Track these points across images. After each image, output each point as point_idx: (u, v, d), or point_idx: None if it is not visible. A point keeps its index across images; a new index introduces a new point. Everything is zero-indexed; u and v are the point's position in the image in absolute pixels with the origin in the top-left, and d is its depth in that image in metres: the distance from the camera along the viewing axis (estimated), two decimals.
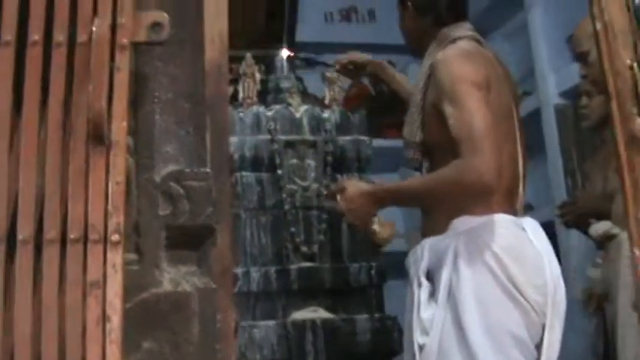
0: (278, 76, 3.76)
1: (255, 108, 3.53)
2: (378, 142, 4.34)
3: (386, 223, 2.27)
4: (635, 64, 1.87)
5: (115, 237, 1.29)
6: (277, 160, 3.46)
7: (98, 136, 1.30)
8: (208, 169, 1.46)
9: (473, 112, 2.06)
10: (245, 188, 3.42)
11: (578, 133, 3.77)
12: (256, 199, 3.43)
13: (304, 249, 3.44)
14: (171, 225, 1.41)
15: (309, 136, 3.56)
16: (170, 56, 1.51)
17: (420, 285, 2.17)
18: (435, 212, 2.23)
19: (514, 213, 2.19)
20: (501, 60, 2.35)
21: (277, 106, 3.58)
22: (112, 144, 1.32)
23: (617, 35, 1.93)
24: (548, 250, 2.16)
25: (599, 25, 2.11)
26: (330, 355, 3.31)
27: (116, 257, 1.29)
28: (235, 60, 3.75)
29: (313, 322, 3.32)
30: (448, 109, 2.10)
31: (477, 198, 2.09)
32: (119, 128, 1.33)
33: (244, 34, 4.79)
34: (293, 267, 3.41)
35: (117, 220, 1.30)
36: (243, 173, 3.44)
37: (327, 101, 3.71)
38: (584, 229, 3.07)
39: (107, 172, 1.31)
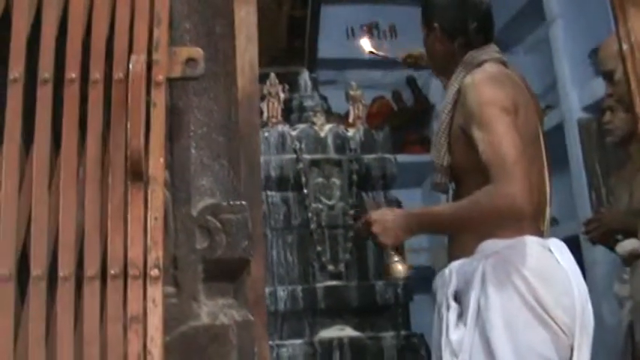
0: (302, 95, 3.79)
1: (279, 127, 3.55)
2: (402, 158, 4.34)
3: (405, 262, 2.29)
4: None
5: (155, 272, 1.30)
6: (303, 179, 3.48)
7: (136, 173, 1.32)
8: (244, 202, 1.47)
9: (502, 137, 2.05)
10: (271, 208, 3.45)
11: (602, 147, 3.76)
12: (282, 218, 3.45)
13: (331, 267, 3.46)
14: (209, 258, 1.43)
15: (334, 155, 3.58)
16: (204, 90, 1.52)
17: (448, 307, 2.17)
18: (462, 235, 2.22)
19: (540, 234, 2.19)
20: (525, 79, 2.34)
21: (302, 125, 3.60)
22: (149, 180, 1.33)
23: None
24: (575, 271, 2.15)
25: (625, 46, 2.12)
26: None
27: (156, 292, 1.30)
28: (259, 77, 3.77)
29: (340, 340, 3.34)
30: (477, 134, 2.10)
31: (508, 222, 2.09)
32: (156, 164, 1.34)
33: (266, 52, 4.81)
34: (319, 285, 3.42)
35: (156, 255, 1.31)
36: (269, 193, 3.46)
37: (350, 119, 3.73)
38: (610, 245, 3.06)
39: (145, 207, 1.33)
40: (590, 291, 2.17)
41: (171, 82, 1.44)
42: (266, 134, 3.52)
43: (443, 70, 2.40)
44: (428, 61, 2.54)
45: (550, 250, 2.15)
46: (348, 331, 3.39)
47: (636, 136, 2.72)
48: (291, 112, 3.74)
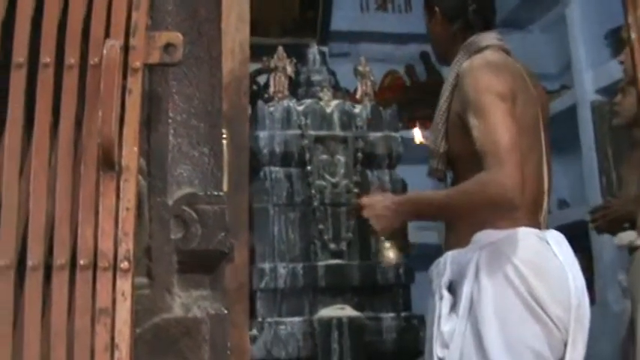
0: (310, 69, 3.73)
1: (285, 102, 3.51)
2: (411, 134, 4.28)
3: (397, 248, 2.25)
4: None
5: (125, 264, 1.27)
6: (307, 156, 3.44)
7: (108, 162, 1.28)
8: (222, 193, 1.44)
9: (497, 125, 2.01)
10: (274, 184, 3.41)
11: (615, 131, 3.69)
12: (285, 194, 3.42)
13: (332, 246, 3.43)
14: (183, 249, 1.39)
15: (339, 132, 3.53)
16: (185, 75, 1.48)
17: (441, 298, 2.14)
18: (457, 225, 2.19)
19: (538, 226, 2.15)
20: (527, 67, 2.28)
21: (308, 101, 3.55)
22: (122, 169, 1.30)
23: None
24: (573, 263, 2.10)
25: (634, 34, 2.06)
26: (356, 353, 3.29)
27: (125, 285, 1.28)
28: (268, 49, 3.73)
29: (340, 319, 3.31)
30: (472, 121, 2.06)
31: (500, 212, 2.05)
32: (130, 153, 1.31)
33: (277, 23, 4.77)
34: (321, 264, 3.40)
35: (126, 247, 1.28)
36: (272, 168, 3.43)
37: (358, 95, 3.68)
38: (616, 234, 3.01)
39: (117, 197, 1.30)
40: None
41: (149, 67, 1.40)
42: (271, 109, 3.48)
43: (445, 55, 2.36)
44: (432, 47, 2.50)
45: (547, 242, 2.11)
46: (347, 311, 3.36)
47: None
48: (298, 87, 3.69)
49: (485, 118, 2.03)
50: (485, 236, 2.09)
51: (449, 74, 2.26)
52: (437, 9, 2.33)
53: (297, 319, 3.31)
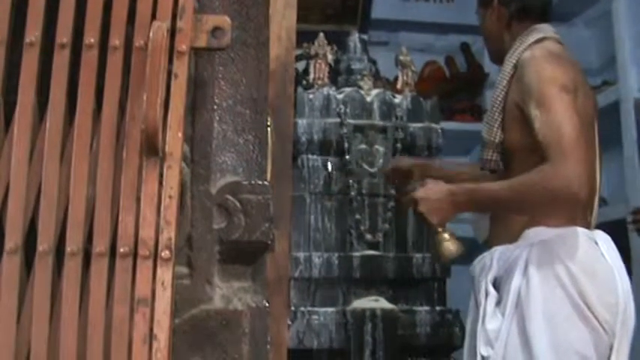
0: (350, 57, 3.69)
1: (325, 90, 3.47)
2: (450, 125, 4.23)
3: (457, 240, 2.14)
4: None
5: (166, 253, 1.24)
6: (345, 145, 3.40)
7: (152, 147, 1.24)
8: (267, 182, 1.39)
9: (562, 117, 1.95)
10: (311, 172, 3.38)
11: None
12: (322, 183, 3.39)
13: (368, 237, 3.39)
14: (225, 239, 1.35)
15: (379, 122, 3.49)
16: (232, 60, 1.44)
17: (487, 294, 2.08)
18: (507, 220, 2.13)
19: (588, 226, 2.09)
20: (578, 63, 2.22)
21: (348, 89, 3.51)
22: (166, 155, 1.26)
23: None
24: (620, 267, 2.05)
25: None
26: (389, 346, 3.26)
27: (166, 274, 1.24)
28: (308, 35, 3.68)
29: (373, 311, 3.28)
30: (534, 112, 2.00)
31: (559, 208, 1.99)
32: (174, 139, 1.27)
33: (318, 9, 4.72)
34: (356, 254, 3.36)
35: (168, 235, 1.24)
36: (310, 156, 3.39)
37: (399, 85, 3.62)
38: None
39: (160, 184, 1.26)
40: (634, 275, 2.07)
41: (196, 51, 1.36)
42: (311, 96, 3.44)
43: (500, 50, 2.29)
44: (486, 45, 2.44)
45: (596, 243, 2.05)
46: (381, 303, 3.32)
47: None
48: (338, 75, 3.65)
49: (549, 110, 1.97)
50: (536, 233, 2.03)
51: (505, 63, 2.19)
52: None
53: (330, 309, 3.27)
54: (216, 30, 1.34)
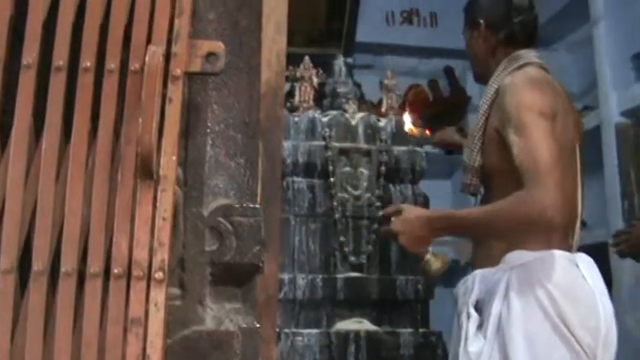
0: (336, 81, 3.72)
1: (310, 113, 3.50)
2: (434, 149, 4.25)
3: (439, 255, 2.20)
4: None
5: (159, 274, 1.25)
6: (330, 167, 3.43)
7: (146, 170, 1.26)
8: (258, 205, 1.41)
9: (539, 143, 1.98)
10: (296, 194, 3.40)
11: (639, 154, 3.67)
12: (307, 205, 3.41)
13: (352, 259, 3.41)
14: (217, 261, 1.37)
15: (363, 145, 3.52)
16: (225, 85, 1.46)
17: (469, 317, 2.11)
18: (488, 244, 2.16)
19: (569, 249, 2.12)
20: (564, 88, 2.26)
21: (333, 112, 3.55)
22: (160, 178, 1.28)
23: None
24: (602, 288, 2.08)
25: None
26: None
27: (159, 295, 1.25)
28: (293, 58, 3.70)
29: (357, 333, 3.29)
30: (513, 138, 2.03)
31: (537, 232, 2.02)
32: (169, 163, 1.29)
33: (303, 33, 4.75)
34: (340, 276, 3.38)
35: (162, 257, 1.26)
36: (295, 179, 3.42)
37: (383, 109, 3.66)
38: (639, 259, 2.98)
39: (154, 207, 1.27)
40: (616, 299, 2.10)
41: (189, 76, 1.38)
42: (296, 119, 3.47)
43: (485, 73, 2.33)
44: (471, 65, 2.48)
45: (577, 266, 2.08)
46: (365, 325, 3.34)
47: None
48: (323, 97, 3.68)
49: (527, 136, 2.00)
50: (516, 257, 2.06)
51: (487, 89, 2.23)
52: (481, 21, 2.32)
53: (314, 330, 3.29)
54: (210, 55, 1.36)
